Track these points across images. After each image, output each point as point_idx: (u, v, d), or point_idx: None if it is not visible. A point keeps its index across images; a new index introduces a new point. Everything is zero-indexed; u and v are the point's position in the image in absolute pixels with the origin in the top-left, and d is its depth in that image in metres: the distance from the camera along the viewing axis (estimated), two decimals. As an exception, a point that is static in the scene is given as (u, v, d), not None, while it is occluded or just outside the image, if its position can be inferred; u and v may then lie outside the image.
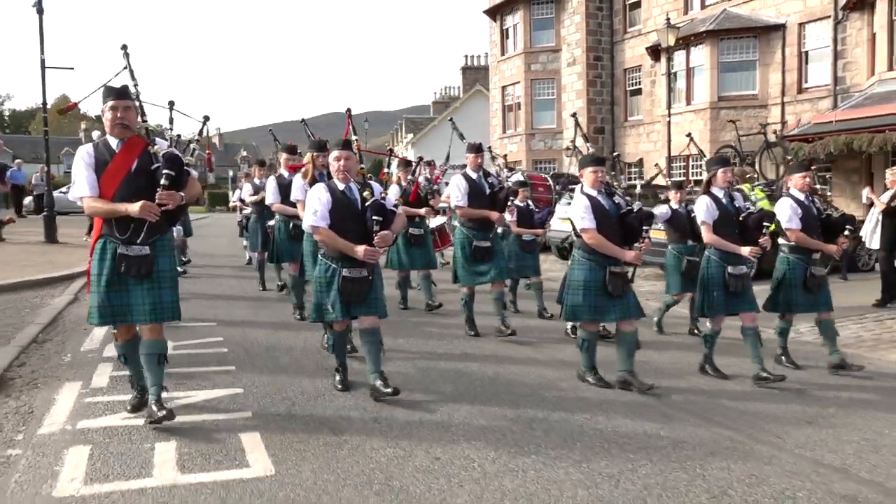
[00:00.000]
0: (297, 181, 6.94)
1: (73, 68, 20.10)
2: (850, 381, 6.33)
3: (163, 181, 4.35)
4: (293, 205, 7.21)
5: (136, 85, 4.68)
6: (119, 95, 4.50)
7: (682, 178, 20.22)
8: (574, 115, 8.10)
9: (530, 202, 9.35)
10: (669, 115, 18.87)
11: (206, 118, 7.33)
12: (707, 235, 6.24)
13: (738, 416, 5.17)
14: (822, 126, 16.96)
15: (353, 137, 5.94)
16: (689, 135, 16.68)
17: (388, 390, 5.12)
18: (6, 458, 4.11)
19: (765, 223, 6.14)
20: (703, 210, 6.23)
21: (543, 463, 4.14)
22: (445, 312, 8.72)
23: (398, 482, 3.82)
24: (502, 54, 29.23)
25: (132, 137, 4.50)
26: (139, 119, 4.65)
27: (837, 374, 6.53)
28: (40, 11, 14.86)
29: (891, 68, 16.94)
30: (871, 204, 10.46)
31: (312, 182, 6.37)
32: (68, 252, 13.74)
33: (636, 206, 5.90)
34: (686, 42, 21.54)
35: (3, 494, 3.64)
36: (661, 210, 8.04)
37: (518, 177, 12.88)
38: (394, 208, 5.40)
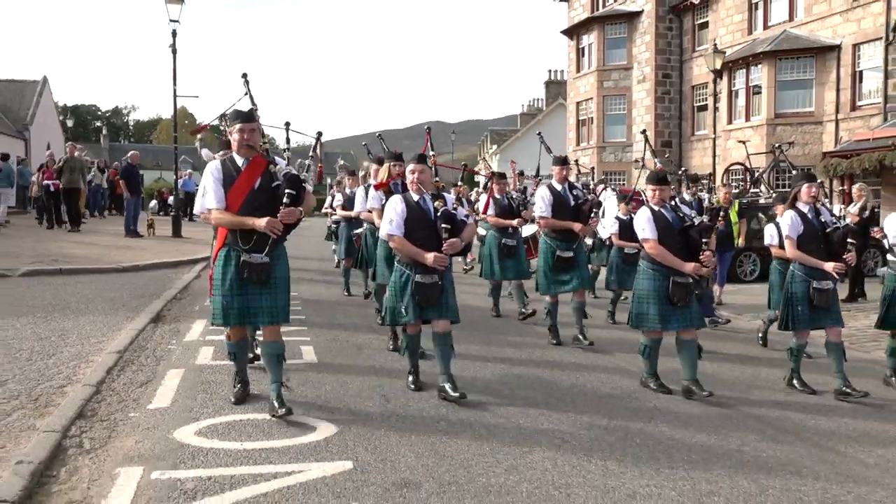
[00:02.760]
0: (372, 190, 7.22)
1: (197, 96, 23.63)
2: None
3: (285, 199, 4.64)
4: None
5: (255, 109, 5.06)
6: (246, 119, 4.85)
7: (786, 194, 21.15)
8: (644, 131, 8.66)
9: (632, 215, 9.08)
10: (715, 132, 20.35)
11: (320, 134, 7.76)
12: (791, 250, 6.23)
13: (812, 431, 5.10)
14: (861, 143, 18.15)
15: (430, 153, 6.17)
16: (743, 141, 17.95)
17: (456, 394, 5.26)
18: (170, 350, 6.77)
19: (849, 240, 6.12)
20: (787, 224, 6.24)
21: (609, 469, 4.16)
22: (533, 320, 8.69)
23: (483, 480, 3.93)
24: (577, 72, 31.07)
25: (256, 157, 4.81)
26: (261, 140, 4.97)
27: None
28: (174, 52, 18.01)
29: (934, 88, 17.94)
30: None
31: (387, 191, 6.81)
32: (191, 244, 16.81)
33: (697, 219, 5.95)
34: (746, 62, 22.89)
35: (169, 360, 6.31)
36: (769, 230, 7.67)
37: (609, 192, 13.13)
38: (465, 218, 5.58)
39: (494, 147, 46.77)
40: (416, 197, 5.57)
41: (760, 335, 8.32)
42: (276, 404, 4.78)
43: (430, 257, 5.30)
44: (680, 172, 8.84)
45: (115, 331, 7.25)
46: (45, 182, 18.23)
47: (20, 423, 4.51)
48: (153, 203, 31.11)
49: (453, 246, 5.35)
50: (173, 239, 18.02)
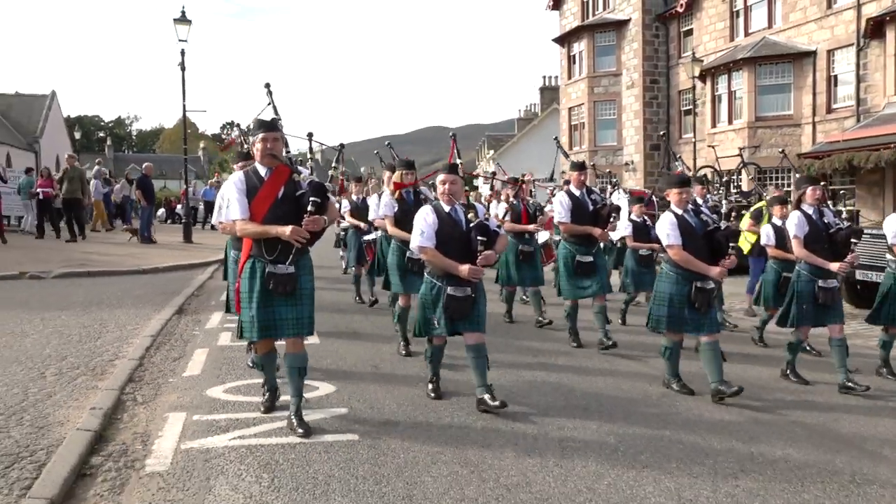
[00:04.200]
0: (385, 198, 7.24)
1: (205, 111, 24.66)
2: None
3: (310, 207, 4.57)
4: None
5: (279, 118, 5.05)
6: (269, 128, 4.78)
7: (784, 196, 22.11)
8: (663, 134, 9.35)
9: (646, 217, 9.37)
10: (695, 137, 21.38)
11: (342, 146, 7.86)
12: (798, 250, 6.45)
13: (833, 434, 5.11)
14: (833, 145, 19.24)
15: (458, 161, 6.07)
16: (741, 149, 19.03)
17: (496, 403, 5.18)
18: (194, 335, 7.91)
19: (853, 240, 6.32)
20: (794, 225, 6.46)
21: (640, 475, 4.16)
22: (551, 326, 8.68)
23: (506, 480, 3.97)
24: (569, 78, 32.21)
25: (279, 166, 4.75)
26: (284, 149, 4.94)
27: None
28: (183, 69, 19.20)
29: (899, 91, 19.01)
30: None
31: (399, 199, 6.84)
32: (201, 248, 17.94)
33: (723, 224, 6.09)
34: (727, 68, 24.00)
35: (195, 342, 7.45)
36: (765, 231, 8.03)
37: (620, 193, 13.01)
38: (497, 229, 5.53)
39: (491, 152, 47.88)
40: (447, 208, 5.47)
41: (757, 337, 8.33)
42: (294, 421, 4.73)
43: (464, 269, 5.21)
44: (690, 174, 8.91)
45: (146, 320, 8.38)
46: (37, 189, 18.07)
47: (85, 385, 5.65)
48: (161, 211, 32.34)
49: (488, 259, 5.27)
50: (184, 244, 19.15)
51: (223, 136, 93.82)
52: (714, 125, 25.07)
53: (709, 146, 22.39)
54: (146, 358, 6.64)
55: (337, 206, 14.59)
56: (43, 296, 10.15)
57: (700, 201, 7.25)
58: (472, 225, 5.32)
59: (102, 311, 8.94)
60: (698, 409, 5.56)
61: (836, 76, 22.11)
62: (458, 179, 5.56)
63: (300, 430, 4.65)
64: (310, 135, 7.15)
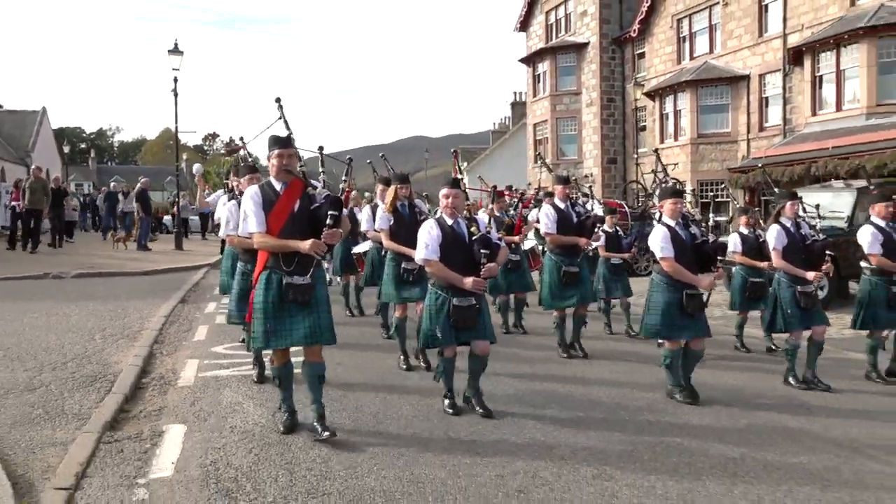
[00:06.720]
0: (380, 210, 7.32)
1: (195, 131, 26.43)
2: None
3: (328, 221, 4.67)
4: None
5: (290, 134, 5.07)
6: (284, 145, 4.90)
7: (749, 206, 24.07)
8: (656, 150, 9.66)
9: (618, 228, 9.88)
10: (636, 152, 23.68)
11: (350, 160, 7.80)
12: (777, 260, 6.81)
13: (825, 438, 5.25)
14: (757, 160, 21.68)
15: (460, 176, 6.21)
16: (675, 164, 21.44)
17: (481, 411, 5.47)
18: (197, 316, 10.07)
19: (828, 251, 6.72)
20: (773, 237, 6.81)
21: (638, 481, 4.26)
22: (538, 334, 9.01)
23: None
24: (535, 96, 34.62)
25: (294, 181, 4.84)
26: (298, 164, 5.02)
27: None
28: (176, 95, 21.27)
29: (814, 114, 21.44)
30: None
31: (394, 212, 7.03)
32: (192, 254, 20.11)
33: (711, 237, 6.47)
34: (673, 89, 26.45)
35: (198, 321, 9.62)
36: (733, 239, 8.46)
37: (594, 204, 13.88)
38: (498, 241, 5.65)
39: (465, 164, 50.06)
40: (449, 221, 5.59)
41: (740, 343, 8.63)
42: (318, 427, 4.85)
43: (469, 282, 5.35)
44: (626, 183, 10.16)
45: (156, 307, 10.51)
46: (12, 203, 19.29)
47: (125, 344, 7.85)
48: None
49: (491, 271, 5.43)
50: (175, 251, 21.28)
51: (205, 147, 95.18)
52: (662, 141, 27.45)
53: (635, 165, 24.61)
54: (162, 331, 8.81)
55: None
56: (69, 291, 12.31)
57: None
58: (474, 238, 5.48)
59: (121, 301, 11.09)
60: (690, 416, 5.70)
61: (766, 98, 24.42)
62: (460, 193, 5.68)
63: (325, 434, 4.76)
64: (320, 148, 7.12)
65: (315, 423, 4.87)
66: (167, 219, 33.72)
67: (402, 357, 7.08)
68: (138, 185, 21.15)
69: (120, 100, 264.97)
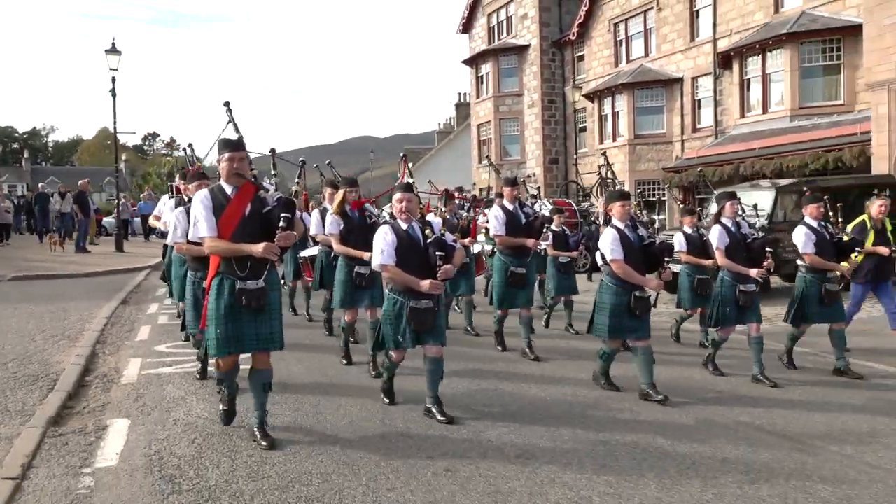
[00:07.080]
0: (330, 215, 7.19)
1: (135, 132, 26.00)
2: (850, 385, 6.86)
3: (281, 223, 4.64)
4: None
5: (241, 136, 5.02)
6: (235, 148, 4.83)
7: (693, 207, 24.44)
8: (604, 153, 9.91)
9: (565, 227, 10.02)
10: (577, 153, 24.33)
11: (303, 162, 8.04)
12: (720, 259, 7.04)
13: (769, 430, 5.39)
14: (689, 160, 22.55)
15: (411, 180, 6.30)
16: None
17: (443, 419, 5.39)
18: (139, 317, 10.14)
19: (768, 248, 6.95)
20: (716, 237, 7.05)
21: (590, 479, 4.31)
22: (483, 333, 9.02)
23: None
24: (478, 97, 35.12)
25: (246, 184, 4.77)
26: (249, 167, 4.93)
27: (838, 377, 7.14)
28: (114, 95, 20.95)
29: (742, 116, 22.38)
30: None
31: (343, 215, 6.97)
32: (133, 256, 19.93)
33: (658, 239, 6.61)
34: (611, 91, 27.22)
35: (140, 322, 9.71)
36: (678, 239, 8.56)
37: (543, 204, 13.64)
38: (453, 243, 5.70)
39: (411, 164, 50.20)
40: (404, 225, 5.60)
41: (673, 332, 9.05)
42: (257, 434, 4.86)
43: (425, 284, 5.37)
44: (567, 181, 10.62)
45: (98, 308, 10.54)
46: None
47: (66, 345, 7.91)
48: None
49: (447, 273, 5.46)
50: (116, 253, 21.04)
51: (144, 147, 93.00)
52: (601, 141, 28.22)
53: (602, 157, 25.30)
54: (105, 331, 8.88)
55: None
56: (7, 293, 12.20)
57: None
58: (429, 241, 5.50)
59: (61, 303, 11.06)
60: (641, 412, 5.82)
61: (699, 100, 25.33)
62: (413, 197, 5.72)
63: (264, 443, 4.77)
64: (272, 150, 7.07)
65: (255, 431, 4.90)
66: (108, 220, 33.09)
67: (342, 357, 7.34)
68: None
69: (55, 98, 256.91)
